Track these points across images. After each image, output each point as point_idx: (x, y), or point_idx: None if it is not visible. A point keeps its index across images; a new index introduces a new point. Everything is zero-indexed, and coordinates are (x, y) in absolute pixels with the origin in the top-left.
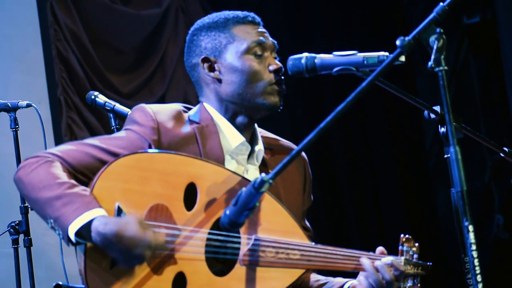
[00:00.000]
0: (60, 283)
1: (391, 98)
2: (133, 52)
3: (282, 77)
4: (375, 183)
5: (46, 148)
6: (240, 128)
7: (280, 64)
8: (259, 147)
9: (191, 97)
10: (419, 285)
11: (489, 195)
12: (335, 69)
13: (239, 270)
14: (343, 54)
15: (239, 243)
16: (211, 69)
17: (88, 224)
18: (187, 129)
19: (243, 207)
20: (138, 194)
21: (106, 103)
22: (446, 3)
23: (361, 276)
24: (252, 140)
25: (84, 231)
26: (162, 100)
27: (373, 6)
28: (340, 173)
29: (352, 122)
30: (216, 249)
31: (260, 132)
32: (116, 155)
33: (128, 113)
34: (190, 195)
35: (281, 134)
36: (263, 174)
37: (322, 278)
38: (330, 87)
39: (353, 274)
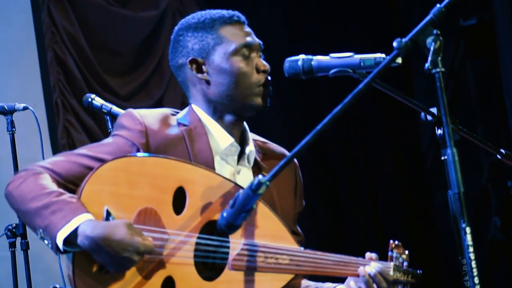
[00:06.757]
0: (57, 286)
1: (388, 100)
2: (131, 54)
3: (269, 78)
4: (373, 185)
5: (42, 150)
6: (229, 128)
7: (267, 65)
8: (250, 148)
9: None
10: None
11: (486, 197)
12: (332, 71)
13: (228, 275)
14: (339, 56)
15: (228, 247)
16: (199, 70)
17: (76, 230)
18: (175, 131)
19: (241, 209)
20: (126, 197)
21: (103, 106)
22: (443, 4)
23: (351, 281)
24: (242, 141)
25: (72, 237)
26: (160, 102)
27: (370, 7)
28: (337, 175)
29: (349, 124)
30: (205, 253)
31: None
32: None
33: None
34: (179, 199)
35: (277, 136)
36: (260, 176)
37: (312, 284)
38: (327, 88)
39: (342, 280)
